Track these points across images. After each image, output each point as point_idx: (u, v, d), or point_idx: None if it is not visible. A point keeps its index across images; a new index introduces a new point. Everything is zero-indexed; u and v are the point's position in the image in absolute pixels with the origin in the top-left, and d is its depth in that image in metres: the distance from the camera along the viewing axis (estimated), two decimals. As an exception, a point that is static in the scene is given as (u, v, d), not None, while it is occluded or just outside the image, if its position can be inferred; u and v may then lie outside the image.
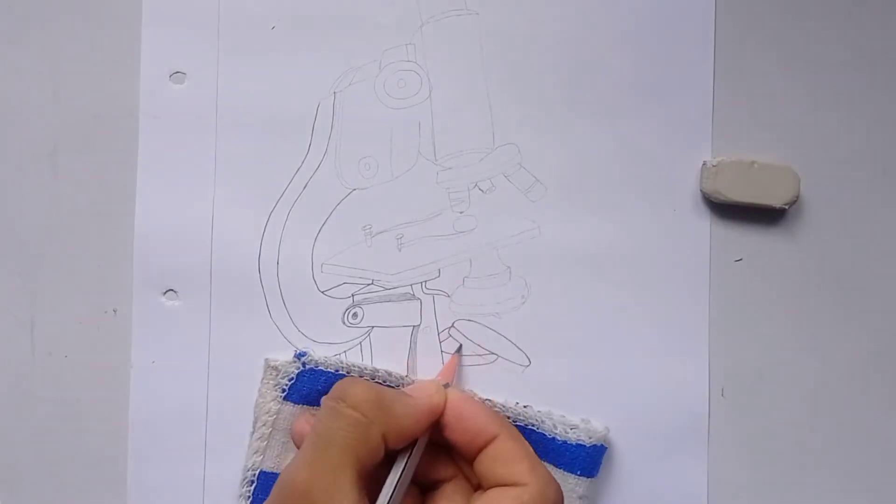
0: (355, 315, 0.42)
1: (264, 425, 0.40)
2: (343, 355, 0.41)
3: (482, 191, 0.42)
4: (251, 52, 0.42)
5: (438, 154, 0.42)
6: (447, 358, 0.41)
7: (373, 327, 0.42)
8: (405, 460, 0.36)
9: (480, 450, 0.36)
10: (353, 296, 0.42)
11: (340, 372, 0.40)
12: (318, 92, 0.42)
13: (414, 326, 0.42)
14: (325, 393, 0.38)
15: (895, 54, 0.43)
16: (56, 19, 0.42)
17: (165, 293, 0.41)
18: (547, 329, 0.42)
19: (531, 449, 0.37)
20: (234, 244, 0.41)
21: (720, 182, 0.41)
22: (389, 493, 0.35)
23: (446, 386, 0.39)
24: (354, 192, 0.42)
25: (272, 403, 0.40)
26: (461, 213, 0.42)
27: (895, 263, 0.43)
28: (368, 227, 0.42)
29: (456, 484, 0.38)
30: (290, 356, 0.41)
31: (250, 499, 0.40)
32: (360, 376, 0.40)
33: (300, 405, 0.40)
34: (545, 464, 0.37)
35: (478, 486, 0.37)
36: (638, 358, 0.42)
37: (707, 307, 0.42)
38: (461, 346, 0.41)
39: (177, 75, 0.42)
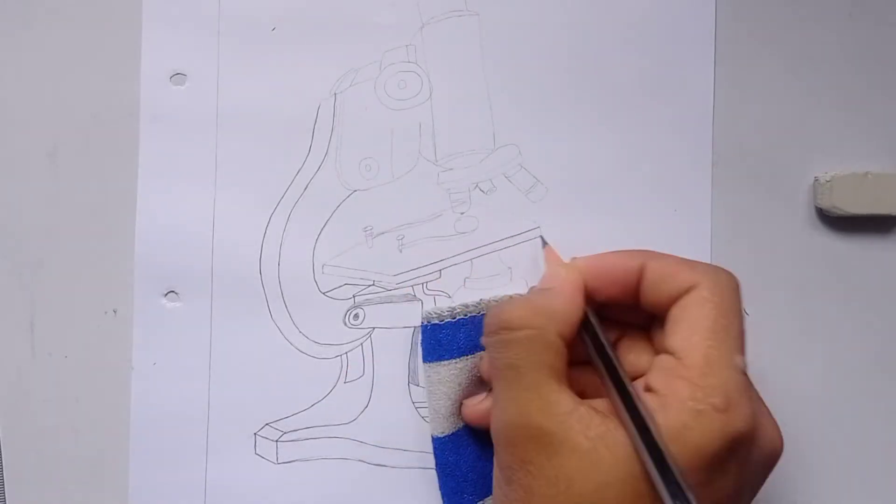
0: (356, 316, 0.42)
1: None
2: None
3: (483, 191, 0.42)
4: (252, 53, 0.41)
5: (439, 155, 0.42)
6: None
7: (374, 328, 0.42)
8: (591, 341, 0.36)
9: (637, 288, 0.36)
10: (354, 297, 0.42)
11: (455, 319, 0.40)
12: (318, 93, 0.41)
13: (415, 327, 0.42)
14: (472, 342, 0.40)
15: (895, 54, 0.43)
16: (56, 19, 0.42)
17: (166, 294, 0.41)
18: (548, 330, 0.42)
19: (678, 256, 0.36)
20: (235, 245, 0.41)
21: (836, 197, 0.41)
22: (611, 376, 0.34)
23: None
24: (355, 193, 0.42)
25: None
26: (462, 213, 0.42)
27: (895, 263, 0.43)
28: (369, 228, 0.42)
29: (630, 338, 0.38)
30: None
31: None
32: (467, 314, 0.40)
33: (449, 361, 0.40)
34: None
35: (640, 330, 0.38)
36: (638, 358, 0.42)
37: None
38: (542, 236, 0.41)
39: (177, 77, 0.41)
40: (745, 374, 0.33)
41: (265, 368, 0.41)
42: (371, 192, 0.42)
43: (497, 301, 0.41)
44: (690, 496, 0.30)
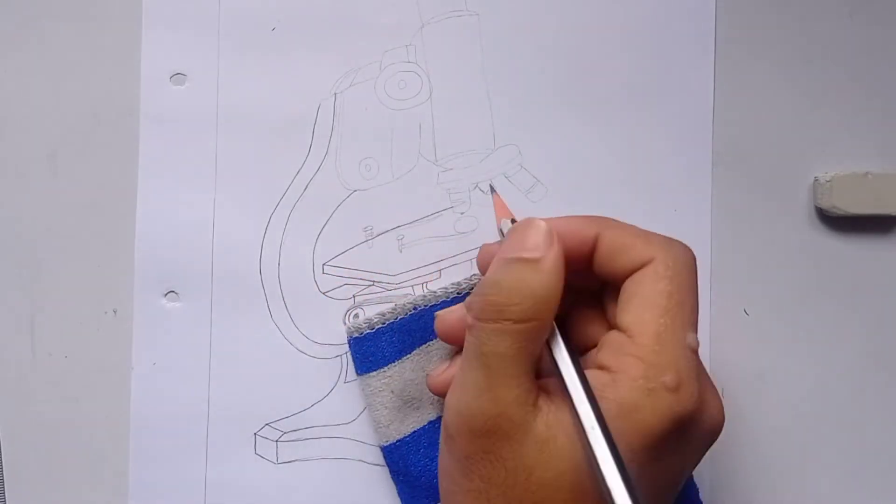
0: (356, 316, 0.42)
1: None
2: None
3: (483, 191, 0.42)
4: (252, 53, 0.41)
5: (439, 155, 0.42)
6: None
7: (374, 328, 0.42)
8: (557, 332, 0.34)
9: (591, 256, 0.34)
10: (354, 297, 0.42)
11: (399, 319, 0.40)
12: (318, 93, 0.41)
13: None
14: (396, 347, 0.40)
15: (895, 54, 0.43)
16: (56, 19, 0.42)
17: (166, 294, 0.41)
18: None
19: (636, 227, 0.34)
20: (235, 245, 0.41)
21: (836, 197, 0.41)
22: (561, 360, 0.33)
23: (513, 222, 0.37)
24: (355, 193, 0.42)
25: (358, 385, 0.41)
26: (462, 213, 0.42)
27: (895, 263, 0.43)
28: (369, 228, 0.42)
29: (582, 308, 0.36)
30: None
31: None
32: (385, 322, 0.40)
33: (378, 371, 0.40)
34: None
35: (592, 300, 0.36)
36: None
37: (707, 307, 0.42)
38: (491, 184, 0.40)
39: (177, 76, 0.41)
40: (695, 352, 0.32)
41: (265, 368, 0.41)
42: (371, 192, 0.42)
43: (416, 304, 0.40)
44: (633, 485, 0.30)
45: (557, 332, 0.33)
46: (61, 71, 0.42)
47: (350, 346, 0.41)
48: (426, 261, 0.42)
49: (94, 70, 0.42)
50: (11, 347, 0.42)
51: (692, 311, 0.33)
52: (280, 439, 0.41)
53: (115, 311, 0.42)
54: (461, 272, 0.42)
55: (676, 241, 0.34)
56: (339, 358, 0.42)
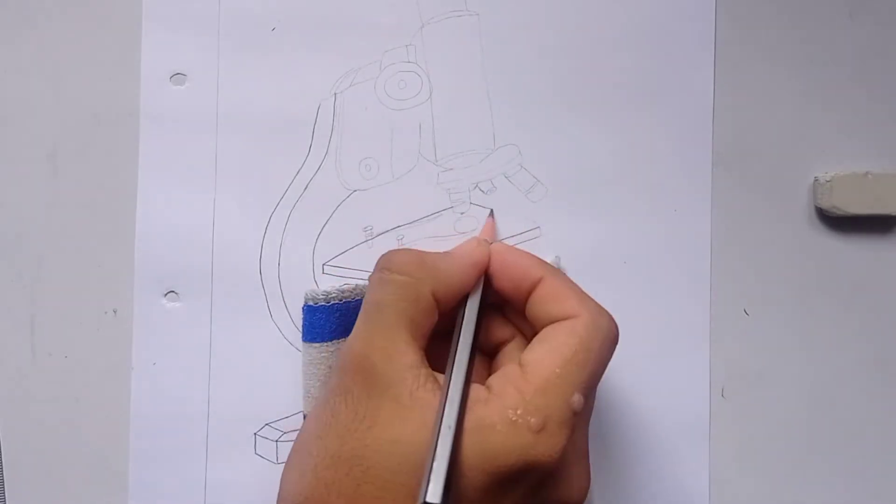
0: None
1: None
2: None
3: (483, 191, 0.42)
4: (252, 53, 0.41)
5: (439, 155, 0.42)
6: None
7: (374, 328, 0.42)
8: (462, 317, 0.37)
9: (529, 294, 0.37)
10: (353, 297, 0.42)
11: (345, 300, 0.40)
12: (318, 93, 0.41)
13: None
14: (344, 326, 0.40)
15: (895, 54, 0.43)
16: (56, 19, 0.42)
17: (166, 294, 0.41)
18: (548, 330, 0.42)
19: (578, 287, 0.37)
20: (235, 245, 0.41)
21: (836, 197, 0.41)
22: (458, 350, 0.35)
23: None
24: (355, 193, 0.42)
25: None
26: (462, 213, 0.42)
27: (895, 263, 0.43)
28: (369, 228, 0.42)
29: (516, 343, 0.38)
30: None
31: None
32: (342, 299, 0.40)
33: (321, 343, 0.40)
34: None
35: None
36: (638, 358, 0.42)
37: (707, 307, 0.42)
38: (492, 210, 0.42)
39: (177, 76, 0.41)
40: (576, 414, 0.33)
41: (265, 368, 0.41)
42: (371, 192, 0.42)
43: None
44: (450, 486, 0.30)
45: (463, 341, 0.35)
46: (61, 71, 0.42)
47: (303, 313, 0.41)
48: (426, 261, 0.42)
49: (94, 70, 0.42)
50: (11, 347, 0.42)
51: (590, 377, 0.34)
52: (280, 439, 0.41)
53: (115, 311, 0.42)
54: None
55: (608, 313, 0.36)
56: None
